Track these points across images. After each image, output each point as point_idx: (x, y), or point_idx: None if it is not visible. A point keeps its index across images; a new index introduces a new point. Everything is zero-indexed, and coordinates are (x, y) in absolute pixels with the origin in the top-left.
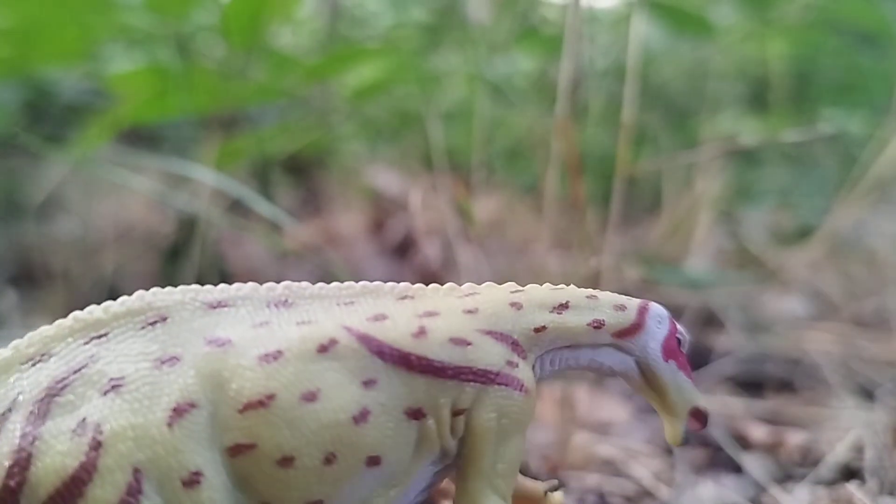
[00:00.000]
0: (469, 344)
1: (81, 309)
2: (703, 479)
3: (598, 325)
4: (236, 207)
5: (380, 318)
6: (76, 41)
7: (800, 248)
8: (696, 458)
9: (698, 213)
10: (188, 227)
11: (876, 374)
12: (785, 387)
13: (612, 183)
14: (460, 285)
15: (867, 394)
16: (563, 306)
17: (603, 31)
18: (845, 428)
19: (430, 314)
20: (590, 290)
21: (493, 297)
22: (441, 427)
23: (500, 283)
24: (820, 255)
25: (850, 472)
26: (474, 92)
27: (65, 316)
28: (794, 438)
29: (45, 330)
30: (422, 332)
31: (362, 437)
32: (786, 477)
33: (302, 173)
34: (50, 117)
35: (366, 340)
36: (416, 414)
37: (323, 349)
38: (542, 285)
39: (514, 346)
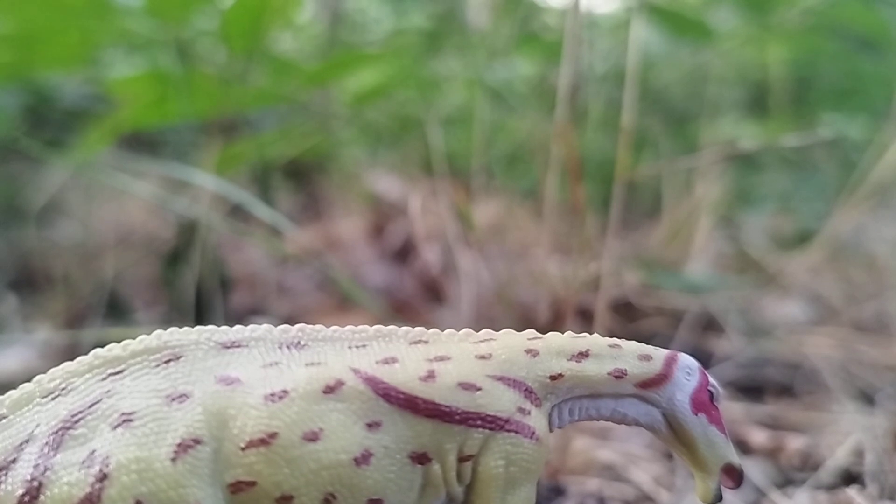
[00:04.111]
0: (478, 389)
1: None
2: None
3: (619, 375)
4: (236, 212)
5: (389, 361)
6: (77, 46)
7: (800, 252)
8: None
9: (698, 217)
10: (188, 231)
11: (876, 378)
12: (785, 391)
13: (611, 187)
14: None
15: (867, 398)
16: (583, 355)
17: (602, 36)
18: (845, 432)
19: (441, 359)
20: (613, 339)
21: (508, 343)
22: (447, 473)
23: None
24: (820, 260)
25: (850, 477)
26: (474, 97)
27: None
28: (795, 443)
29: (68, 365)
30: (430, 376)
31: (363, 479)
32: (786, 482)
33: (302, 178)
34: (50, 122)
35: (372, 382)
36: (421, 458)
37: (329, 390)
38: (563, 334)
39: (528, 392)
